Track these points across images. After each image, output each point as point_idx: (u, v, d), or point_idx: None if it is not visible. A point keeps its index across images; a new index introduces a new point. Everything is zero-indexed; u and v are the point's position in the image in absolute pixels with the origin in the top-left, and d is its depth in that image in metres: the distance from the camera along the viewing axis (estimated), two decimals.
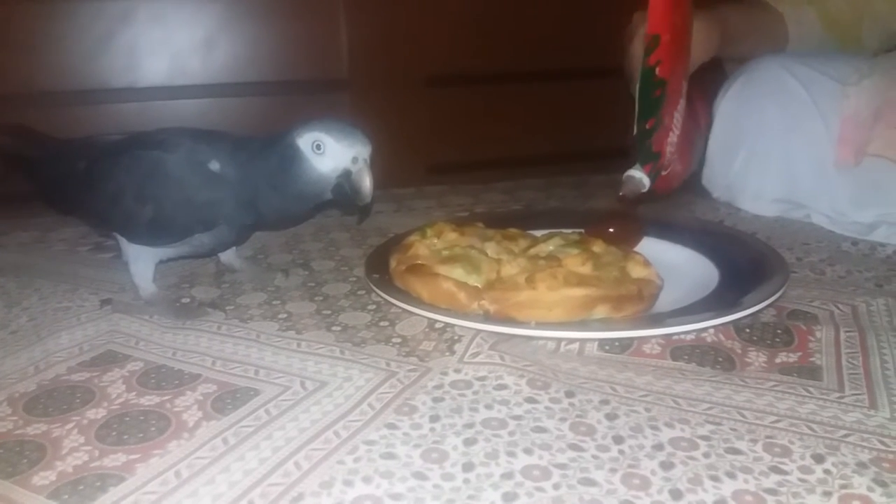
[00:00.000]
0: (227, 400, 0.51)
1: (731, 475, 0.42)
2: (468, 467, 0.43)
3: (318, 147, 0.61)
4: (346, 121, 0.62)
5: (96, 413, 0.49)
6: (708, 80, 0.93)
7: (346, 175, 0.62)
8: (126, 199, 0.63)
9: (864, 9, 0.98)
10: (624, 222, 0.79)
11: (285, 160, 0.62)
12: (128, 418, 0.49)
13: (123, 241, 0.67)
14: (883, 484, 0.41)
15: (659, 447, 0.45)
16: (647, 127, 0.77)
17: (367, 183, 0.62)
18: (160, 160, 0.63)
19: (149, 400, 0.51)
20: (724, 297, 0.62)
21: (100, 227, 0.71)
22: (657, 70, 0.74)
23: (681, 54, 0.78)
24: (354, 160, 0.61)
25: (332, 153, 0.61)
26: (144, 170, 0.63)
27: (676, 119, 0.81)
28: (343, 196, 0.63)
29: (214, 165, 0.63)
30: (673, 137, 0.81)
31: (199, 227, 0.65)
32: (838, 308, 0.65)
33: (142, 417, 0.49)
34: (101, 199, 0.66)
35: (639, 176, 0.80)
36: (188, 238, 0.66)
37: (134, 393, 0.52)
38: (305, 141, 0.61)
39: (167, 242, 0.66)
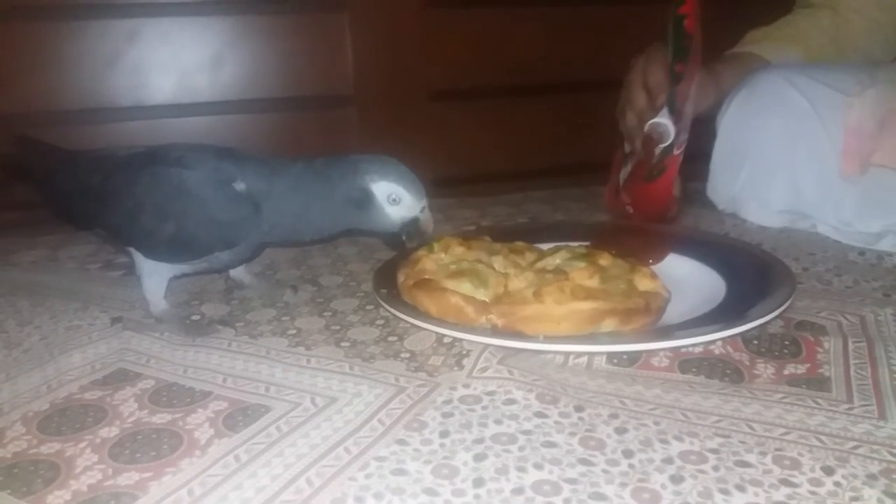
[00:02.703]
0: (239, 417, 0.51)
1: (741, 488, 0.42)
2: (479, 483, 0.43)
3: (395, 200, 0.64)
4: (402, 165, 0.65)
5: (109, 431, 0.50)
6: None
7: (414, 222, 0.66)
8: (147, 215, 0.64)
9: (846, 43, 1.03)
10: (632, 237, 0.80)
11: (352, 201, 0.64)
12: (140, 436, 0.49)
13: (138, 256, 0.67)
14: (893, 496, 0.41)
15: (668, 461, 0.45)
16: (677, 71, 0.82)
17: (430, 227, 0.67)
18: (184, 177, 0.63)
19: (161, 418, 0.51)
20: (732, 309, 0.62)
21: (116, 242, 0.72)
22: (685, 22, 0.80)
23: (699, 25, 0.83)
24: (423, 209, 0.65)
25: (407, 205, 0.65)
26: (167, 186, 0.64)
27: (693, 91, 0.85)
28: (400, 238, 0.67)
29: (240, 185, 0.64)
30: (689, 109, 0.84)
31: (221, 246, 0.66)
32: (846, 318, 0.65)
33: (154, 435, 0.49)
34: (120, 214, 0.66)
35: (665, 122, 0.82)
36: (208, 255, 0.66)
37: (146, 411, 0.52)
38: (381, 190, 0.64)
39: (187, 259, 0.67)
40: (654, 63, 0.91)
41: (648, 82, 0.91)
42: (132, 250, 0.68)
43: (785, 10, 1.06)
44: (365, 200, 0.64)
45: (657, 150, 0.85)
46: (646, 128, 0.86)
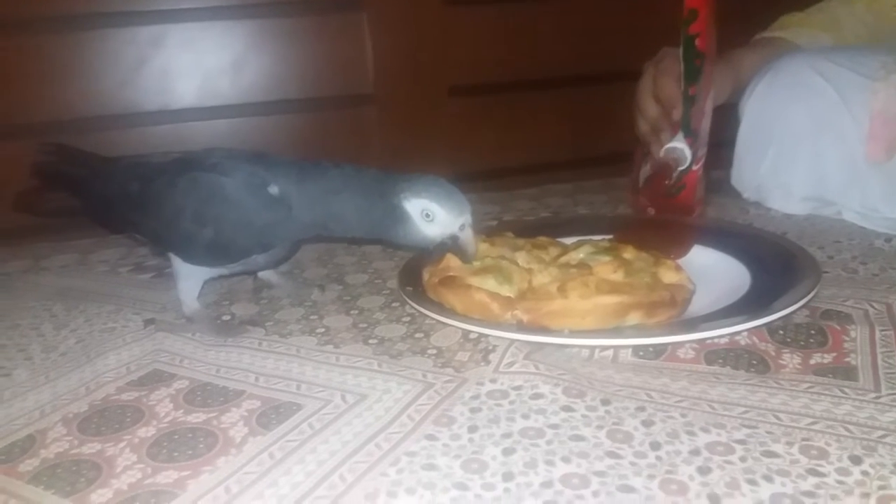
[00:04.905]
0: (272, 415, 0.52)
1: (769, 478, 0.42)
2: (508, 477, 0.44)
3: (428, 216, 0.63)
4: (445, 182, 0.64)
5: (147, 431, 0.51)
6: None
7: (453, 239, 0.64)
8: (185, 221, 0.65)
9: (882, 29, 1.00)
10: (656, 231, 0.80)
11: (388, 217, 0.63)
12: (177, 436, 0.51)
13: (175, 259, 0.69)
14: None
15: (696, 452, 0.45)
16: (691, 93, 0.81)
17: (472, 246, 0.65)
18: (220, 183, 0.64)
19: (196, 417, 0.53)
20: (757, 299, 0.63)
21: (155, 247, 0.73)
22: (696, 41, 0.79)
23: (712, 39, 0.82)
24: (462, 227, 0.64)
25: (442, 222, 0.63)
26: (204, 192, 0.65)
27: (709, 105, 0.84)
28: (444, 252, 0.66)
29: (273, 189, 0.64)
30: (706, 124, 0.83)
31: (258, 249, 0.67)
32: (872, 307, 0.64)
33: (190, 435, 0.51)
34: (159, 221, 0.67)
35: (681, 146, 0.82)
36: (246, 258, 0.68)
37: (181, 411, 0.54)
38: (414, 206, 0.63)
39: (225, 263, 0.68)
40: (664, 74, 0.89)
41: (660, 94, 0.90)
42: (170, 254, 0.69)
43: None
44: (400, 217, 0.63)
45: (675, 174, 0.84)
46: (661, 153, 0.85)
